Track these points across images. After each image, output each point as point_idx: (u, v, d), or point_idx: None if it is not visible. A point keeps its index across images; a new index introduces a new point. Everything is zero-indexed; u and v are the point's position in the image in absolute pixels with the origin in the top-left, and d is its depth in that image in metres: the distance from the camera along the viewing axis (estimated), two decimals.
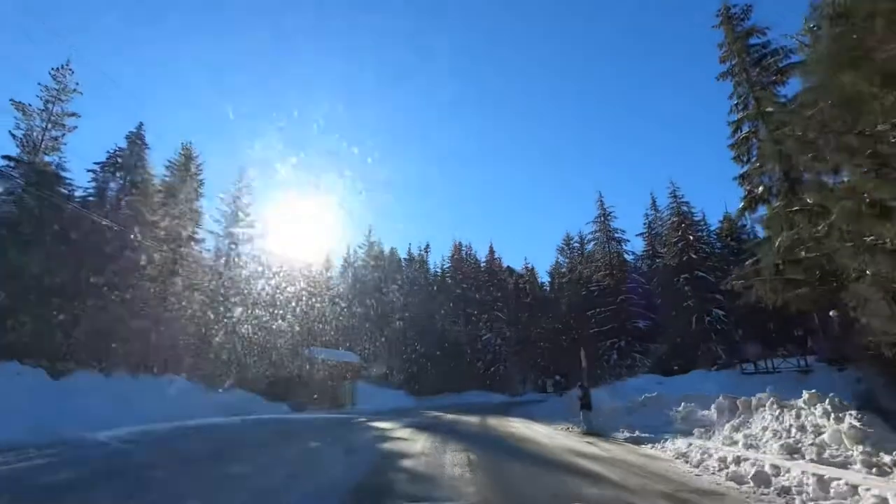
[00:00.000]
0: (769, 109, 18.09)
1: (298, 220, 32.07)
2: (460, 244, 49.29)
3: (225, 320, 19.65)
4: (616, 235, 43.00)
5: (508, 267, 50.69)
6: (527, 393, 39.18)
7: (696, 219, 41.41)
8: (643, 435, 9.64)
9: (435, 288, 51.04)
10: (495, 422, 14.73)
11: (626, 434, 10.08)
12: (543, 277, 51.58)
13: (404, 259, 56.20)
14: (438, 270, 54.21)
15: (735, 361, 22.31)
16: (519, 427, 12.98)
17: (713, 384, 17.18)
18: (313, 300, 27.73)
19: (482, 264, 48.74)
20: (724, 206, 44.64)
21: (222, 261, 21.35)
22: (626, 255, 42.82)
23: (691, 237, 40.44)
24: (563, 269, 50.02)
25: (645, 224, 46.88)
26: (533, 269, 49.55)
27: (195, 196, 26.71)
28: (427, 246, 56.22)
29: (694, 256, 39.29)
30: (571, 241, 53.64)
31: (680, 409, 10.07)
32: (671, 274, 40.88)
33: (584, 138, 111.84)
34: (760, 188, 18.08)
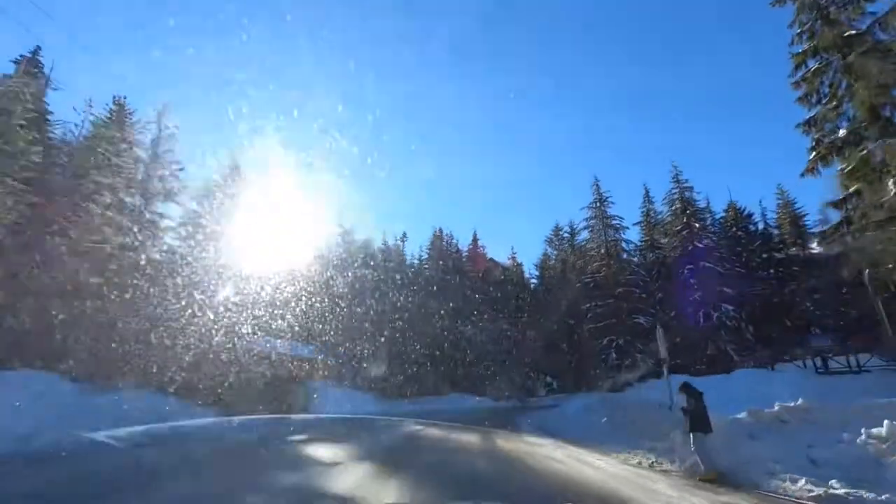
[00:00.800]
0: (851, 32, 14.09)
1: (258, 197, 27.03)
2: (441, 231, 44.71)
3: (129, 298, 14.46)
4: (614, 223, 39.04)
5: (492, 259, 46.26)
6: (514, 397, 34.72)
7: (701, 206, 37.86)
8: (854, 492, 4.78)
9: (411, 280, 46.36)
10: (511, 445, 9.63)
11: (809, 487, 5.04)
12: (531, 271, 47.43)
13: (379, 249, 51.38)
14: (416, 262, 49.62)
15: (807, 356, 18.00)
16: (564, 460, 7.94)
17: (783, 387, 12.93)
18: (265, 285, 22.58)
19: (464, 254, 44.18)
20: (727, 195, 41.24)
21: (131, 222, 15.89)
22: (623, 245, 38.83)
23: (696, 225, 36.82)
24: (553, 262, 45.93)
25: (642, 212, 43.23)
26: (520, 263, 45.28)
27: (126, 156, 21.31)
28: (404, 235, 51.57)
29: (700, 245, 35.60)
30: (561, 232, 49.67)
31: (882, 432, 5.47)
32: (674, 265, 37.19)
33: (574, 126, 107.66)
34: (842, 132, 13.97)
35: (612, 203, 39.38)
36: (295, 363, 24.00)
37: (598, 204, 39.53)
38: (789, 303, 32.52)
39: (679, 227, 36.63)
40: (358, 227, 55.45)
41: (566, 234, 48.36)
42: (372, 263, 47.67)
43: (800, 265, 34.24)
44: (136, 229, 15.70)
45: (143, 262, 15.27)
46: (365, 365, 29.17)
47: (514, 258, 45.38)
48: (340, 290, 34.79)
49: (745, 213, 39.26)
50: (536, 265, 47.16)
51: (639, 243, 40.61)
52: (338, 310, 31.65)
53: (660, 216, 41.70)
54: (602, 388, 32.53)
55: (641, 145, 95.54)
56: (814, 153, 14.58)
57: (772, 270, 34.51)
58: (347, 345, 30.91)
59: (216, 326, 16.61)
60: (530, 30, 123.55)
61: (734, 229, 38.15)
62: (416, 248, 49.20)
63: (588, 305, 36.41)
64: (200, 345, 16.12)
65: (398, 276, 46.38)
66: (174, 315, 15.75)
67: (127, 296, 14.72)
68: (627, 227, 38.93)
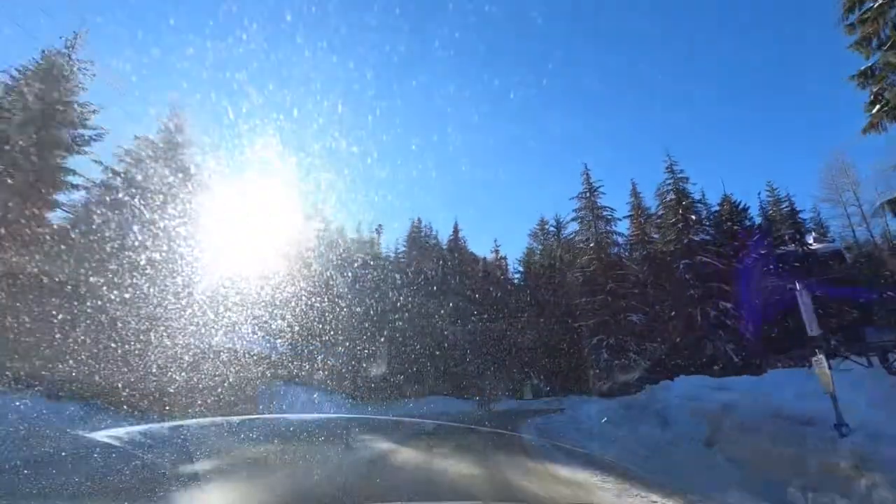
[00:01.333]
0: None
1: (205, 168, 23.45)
2: (419, 222, 41.64)
3: (20, 278, 10.85)
4: (605, 214, 36.62)
5: (473, 253, 43.22)
6: (500, 399, 31.80)
7: (696, 198, 35.69)
8: None
9: (387, 273, 43.20)
10: (538, 485, 6.15)
11: None
12: (515, 267, 44.69)
13: (352, 240, 48.03)
14: (391, 255, 46.50)
15: (869, 352, 15.43)
16: None
17: (856, 392, 10.17)
18: (217, 274, 19.13)
19: (444, 247, 41.13)
20: (720, 188, 39.21)
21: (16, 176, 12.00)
22: (615, 238, 36.45)
23: (693, 217, 34.73)
24: (538, 257, 43.35)
25: (631, 205, 41.04)
26: (504, 257, 42.42)
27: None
28: (379, 226, 48.38)
29: (696, 239, 33.50)
30: (546, 226, 47.22)
31: None
32: (669, 260, 34.99)
33: (559, 116, 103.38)
34: None
35: (603, 193, 37.02)
36: (259, 362, 20.55)
37: (588, 194, 37.11)
38: (790, 301, 30.51)
39: (674, 220, 34.47)
40: (330, 217, 52.08)
41: (552, 228, 45.98)
42: (357, 259, 44.45)
43: (799, 261, 32.40)
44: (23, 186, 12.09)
45: (32, 227, 11.74)
46: (334, 365, 25.82)
47: (497, 251, 42.60)
48: (315, 289, 31.22)
49: (741, 207, 37.41)
50: (520, 260, 44.54)
51: (629, 237, 38.32)
52: (310, 309, 28.13)
53: (651, 210, 39.68)
54: (596, 389, 29.92)
55: (630, 136, 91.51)
56: (877, 107, 12.08)
57: (771, 266, 32.51)
58: (327, 345, 27.40)
59: (147, 317, 13.15)
60: (519, 17, 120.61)
61: (729, 223, 36.14)
62: (392, 241, 45.81)
63: (577, 302, 33.88)
64: (133, 339, 12.66)
65: (372, 271, 43.16)
66: (86, 304, 12.24)
67: (16, 274, 11.17)
68: (619, 219, 36.55)
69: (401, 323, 33.10)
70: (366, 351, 28.11)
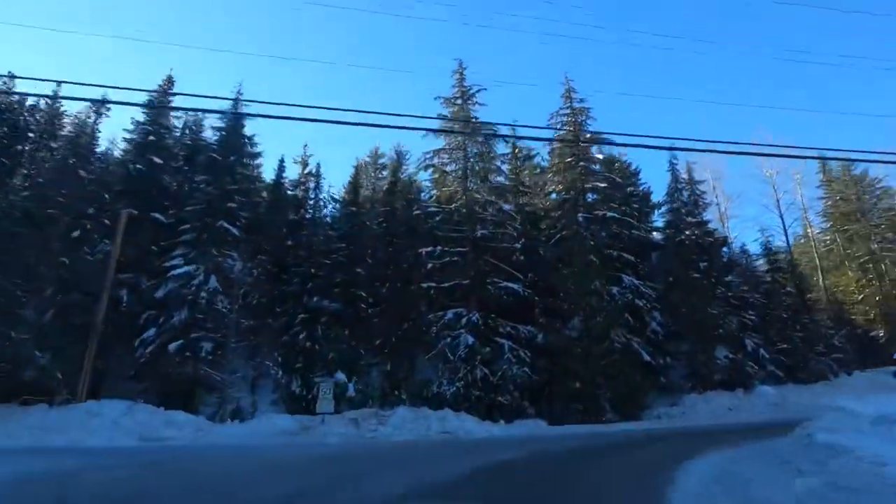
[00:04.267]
0: None
1: None
2: (170, 83, 22.94)
3: None
4: (482, 130, 24.25)
5: (254, 158, 25.80)
6: (262, 411, 15.84)
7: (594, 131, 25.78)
8: None
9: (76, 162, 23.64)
10: None
11: None
12: (333, 197, 28.96)
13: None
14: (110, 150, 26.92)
15: None
16: None
17: None
18: None
19: (214, 141, 23.26)
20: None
21: None
22: (496, 165, 24.48)
23: (599, 157, 25.07)
24: (366, 188, 28.78)
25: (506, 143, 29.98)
26: (315, 172, 26.15)
27: None
28: (102, 102, 27.88)
29: (601, 186, 23.68)
30: (380, 158, 33.31)
31: None
32: (559, 213, 24.48)
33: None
34: None
35: (482, 104, 24.60)
36: None
37: (459, 100, 24.27)
38: (703, 285, 22.55)
39: (570, 160, 24.13)
40: None
41: (388, 161, 32.19)
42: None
43: (702, 238, 24.99)
44: None
45: None
46: None
47: (304, 162, 26.24)
48: None
49: (633, 169, 29.54)
50: (340, 198, 28.87)
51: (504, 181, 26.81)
52: None
53: (534, 150, 29.39)
54: (451, 395, 16.63)
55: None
56: None
57: (683, 237, 24.44)
58: None
59: None
60: None
61: (621, 185, 27.56)
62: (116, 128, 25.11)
63: (428, 251, 20.56)
64: None
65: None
66: None
67: None
68: (508, 140, 24.73)
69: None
70: None
